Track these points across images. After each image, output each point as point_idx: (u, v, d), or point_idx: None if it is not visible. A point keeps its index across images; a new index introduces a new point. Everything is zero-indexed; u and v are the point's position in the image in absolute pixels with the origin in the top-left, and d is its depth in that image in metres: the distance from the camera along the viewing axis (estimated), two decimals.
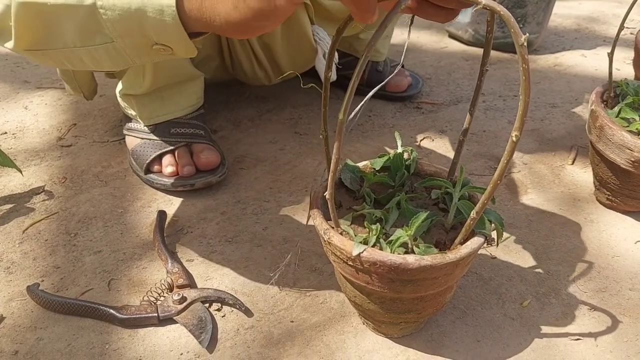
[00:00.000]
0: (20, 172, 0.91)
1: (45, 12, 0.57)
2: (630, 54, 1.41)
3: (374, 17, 0.46)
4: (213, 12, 0.51)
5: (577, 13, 1.73)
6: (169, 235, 0.82)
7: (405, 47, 0.62)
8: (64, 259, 0.78)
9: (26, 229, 0.83)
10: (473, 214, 0.55)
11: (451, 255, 0.55)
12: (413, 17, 0.56)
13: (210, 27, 0.54)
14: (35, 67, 1.30)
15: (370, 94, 0.73)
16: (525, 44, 0.44)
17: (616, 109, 0.84)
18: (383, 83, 0.74)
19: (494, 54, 1.41)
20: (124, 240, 0.81)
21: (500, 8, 0.45)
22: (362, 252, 0.55)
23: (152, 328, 0.68)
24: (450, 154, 1.02)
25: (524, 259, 0.79)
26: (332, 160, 0.54)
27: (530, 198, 0.92)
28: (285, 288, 0.74)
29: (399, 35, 1.49)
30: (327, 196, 0.57)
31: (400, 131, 1.09)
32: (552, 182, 0.96)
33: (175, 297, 0.69)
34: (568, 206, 0.90)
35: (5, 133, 1.05)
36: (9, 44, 0.62)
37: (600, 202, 0.90)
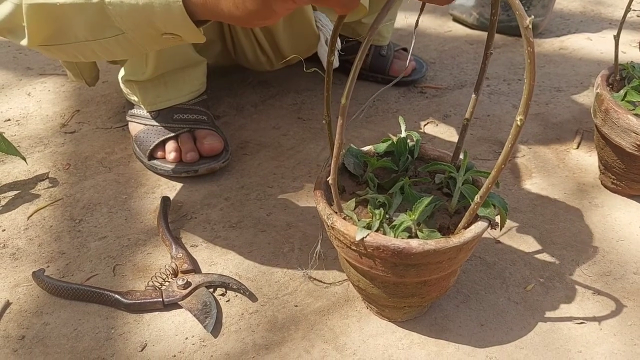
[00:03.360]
0: (25, 160, 0.91)
1: (55, 11, 0.58)
2: (637, 37, 1.39)
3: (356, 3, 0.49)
4: (217, 8, 0.53)
5: None
6: (173, 221, 0.82)
7: (413, 38, 0.62)
8: (69, 244, 0.78)
9: (31, 216, 0.83)
10: (477, 198, 0.55)
11: (455, 240, 0.55)
12: (423, 5, 0.56)
13: (215, 18, 0.56)
14: (37, 54, 1.29)
15: (389, 85, 0.72)
16: (530, 26, 0.43)
17: (622, 92, 0.83)
18: (400, 77, 0.74)
19: (498, 37, 1.40)
20: (128, 226, 0.81)
21: None
22: (365, 237, 0.55)
23: (157, 313, 0.69)
24: (455, 139, 1.02)
25: (528, 243, 0.79)
26: (335, 145, 0.54)
27: (535, 182, 0.91)
28: (289, 273, 0.74)
29: (403, 19, 1.48)
30: (330, 181, 0.57)
31: (404, 116, 1.08)
32: (557, 166, 0.95)
33: (180, 282, 0.70)
34: (573, 190, 0.90)
35: (9, 120, 1.05)
36: (24, 42, 0.63)
37: (605, 186, 0.90)
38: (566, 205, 0.86)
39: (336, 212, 0.59)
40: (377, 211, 0.58)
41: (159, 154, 0.91)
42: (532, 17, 0.44)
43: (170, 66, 0.91)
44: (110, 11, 0.56)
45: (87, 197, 0.87)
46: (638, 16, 1.54)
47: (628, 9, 0.79)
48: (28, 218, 0.82)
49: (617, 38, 0.82)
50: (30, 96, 1.13)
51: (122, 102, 1.08)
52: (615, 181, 0.87)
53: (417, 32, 1.45)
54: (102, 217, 0.83)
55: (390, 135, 0.70)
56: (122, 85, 0.96)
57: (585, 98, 1.15)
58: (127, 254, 0.77)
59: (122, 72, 0.93)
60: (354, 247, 0.58)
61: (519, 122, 0.48)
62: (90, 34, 0.61)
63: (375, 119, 1.07)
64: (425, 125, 1.06)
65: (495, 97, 1.15)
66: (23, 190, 0.88)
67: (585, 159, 0.97)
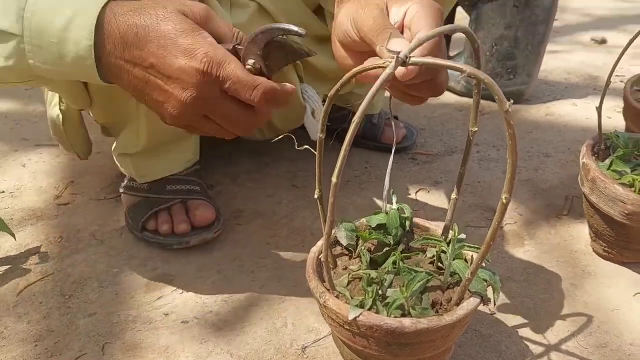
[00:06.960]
0: (14, 236, 0.90)
1: None
2: (621, 102, 1.43)
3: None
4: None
5: (568, 63, 1.77)
6: (163, 296, 0.81)
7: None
8: (58, 322, 0.77)
9: (21, 292, 0.82)
10: (467, 274, 0.55)
11: (447, 318, 0.55)
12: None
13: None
14: (34, 124, 1.31)
15: (390, 164, 0.73)
16: (510, 110, 0.45)
17: (607, 161, 0.84)
18: (394, 147, 0.75)
19: (487, 104, 1.43)
20: (118, 302, 0.80)
21: (484, 76, 0.46)
22: (358, 316, 0.55)
23: None
24: (445, 206, 1.03)
25: (523, 314, 0.79)
26: (327, 223, 0.55)
27: (527, 250, 0.91)
28: (282, 350, 0.73)
29: None
30: (322, 258, 0.57)
31: (396, 182, 1.09)
32: (548, 232, 0.96)
33: None
34: (565, 258, 0.90)
35: (3, 192, 1.06)
36: None
37: (597, 253, 0.90)
38: (559, 274, 0.86)
39: (328, 290, 0.59)
40: (369, 288, 0.58)
41: (151, 225, 0.91)
42: (512, 101, 0.45)
43: (163, 138, 0.92)
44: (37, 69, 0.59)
45: (78, 271, 0.86)
46: (621, 81, 1.58)
47: (609, 81, 0.82)
48: (18, 294, 0.81)
49: (599, 109, 0.85)
50: (25, 167, 1.14)
51: (116, 172, 1.09)
52: (606, 248, 0.87)
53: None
54: (93, 292, 0.82)
55: (382, 207, 0.71)
56: (115, 159, 0.96)
57: (573, 164, 1.17)
58: (116, 331, 0.75)
59: (114, 145, 0.94)
60: (347, 327, 0.57)
61: (504, 200, 0.48)
62: (23, 82, 0.64)
63: (367, 185, 1.08)
64: (416, 192, 1.07)
65: (485, 163, 1.17)
66: (14, 265, 0.87)
67: (576, 226, 0.98)
